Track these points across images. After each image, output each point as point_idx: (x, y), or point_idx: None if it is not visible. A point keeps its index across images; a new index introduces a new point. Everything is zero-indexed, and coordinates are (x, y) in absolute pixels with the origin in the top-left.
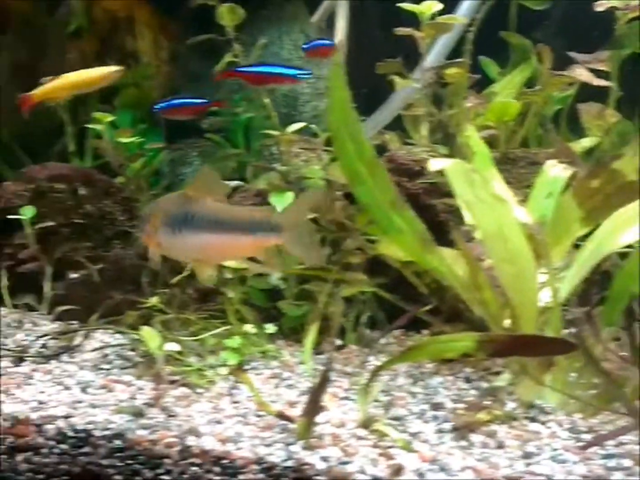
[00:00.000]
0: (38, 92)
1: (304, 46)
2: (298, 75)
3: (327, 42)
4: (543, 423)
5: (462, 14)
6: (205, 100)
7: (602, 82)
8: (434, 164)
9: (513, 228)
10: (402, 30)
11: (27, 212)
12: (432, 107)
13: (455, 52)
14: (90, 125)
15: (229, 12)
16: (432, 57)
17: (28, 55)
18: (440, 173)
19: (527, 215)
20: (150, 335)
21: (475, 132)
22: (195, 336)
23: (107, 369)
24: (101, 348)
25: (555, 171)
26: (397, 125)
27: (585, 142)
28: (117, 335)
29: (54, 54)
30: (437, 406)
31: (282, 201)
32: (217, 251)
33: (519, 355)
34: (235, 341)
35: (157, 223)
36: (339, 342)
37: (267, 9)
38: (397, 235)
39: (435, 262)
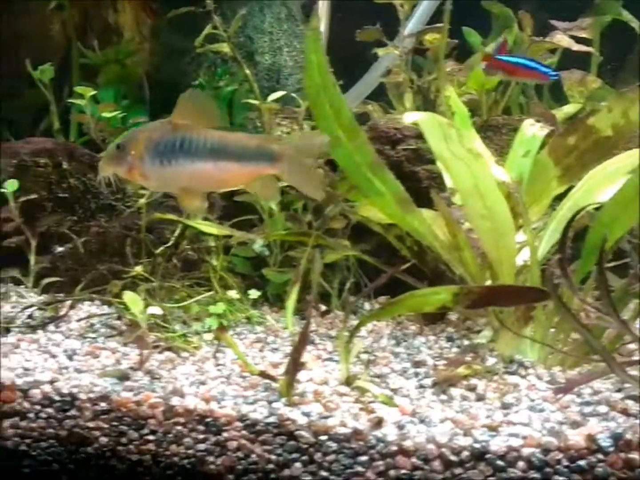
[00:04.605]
0: None
1: None
2: (550, 74)
3: None
4: (523, 376)
5: None
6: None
7: (582, 48)
8: (409, 117)
9: (489, 184)
10: None
11: (10, 186)
12: (412, 74)
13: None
14: (72, 100)
15: None
16: (412, 24)
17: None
18: (422, 140)
19: (505, 173)
20: (133, 299)
21: (454, 92)
22: (179, 304)
23: (93, 338)
24: (87, 318)
25: (532, 130)
26: (382, 97)
27: (568, 109)
28: (104, 306)
29: (37, 25)
30: (418, 364)
31: None
32: (210, 180)
33: (495, 305)
34: (219, 307)
35: (140, 152)
36: (323, 307)
37: None
38: (376, 197)
39: (415, 223)
